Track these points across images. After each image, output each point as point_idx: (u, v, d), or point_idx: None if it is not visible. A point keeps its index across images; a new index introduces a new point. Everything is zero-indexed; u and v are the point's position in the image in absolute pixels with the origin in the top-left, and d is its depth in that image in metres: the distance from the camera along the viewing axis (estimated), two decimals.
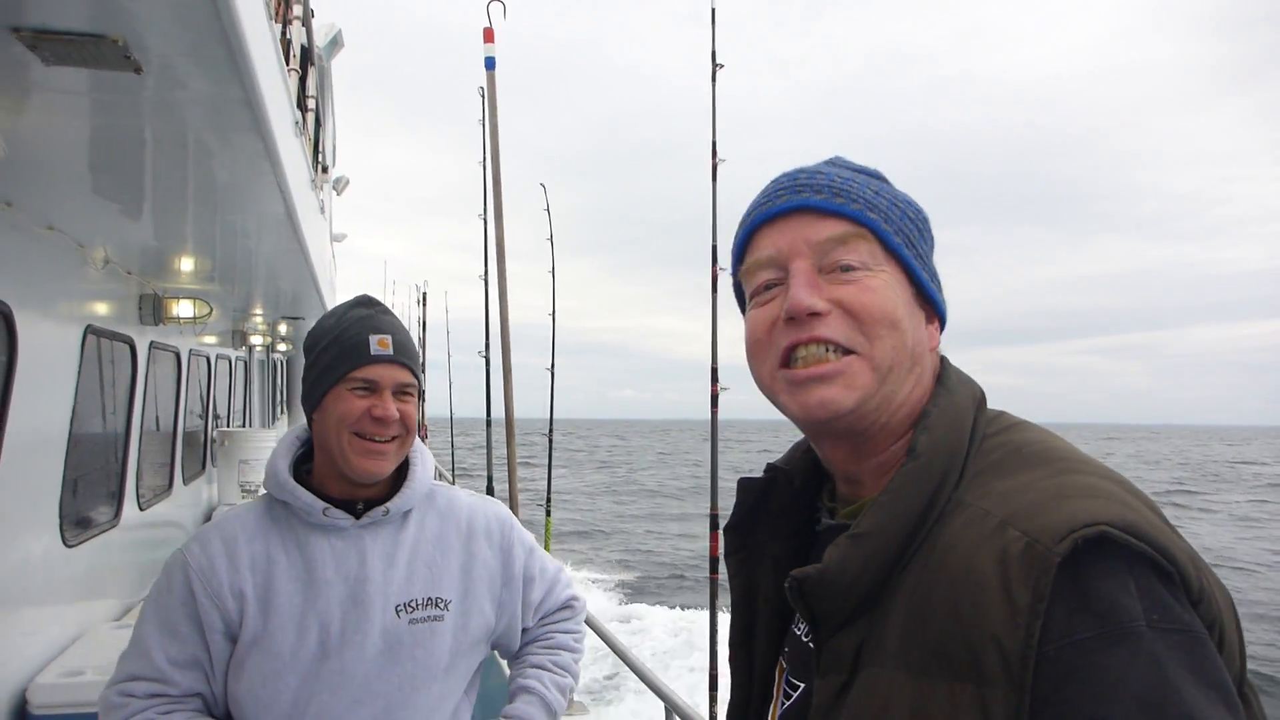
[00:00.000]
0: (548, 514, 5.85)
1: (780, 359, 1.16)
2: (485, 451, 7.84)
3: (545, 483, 5.95)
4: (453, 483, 13.05)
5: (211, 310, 6.06)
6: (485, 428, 7.77)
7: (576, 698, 5.16)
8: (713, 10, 3.99)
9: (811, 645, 1.14)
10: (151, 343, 6.00)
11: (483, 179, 7.21)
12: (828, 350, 1.12)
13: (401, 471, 2.13)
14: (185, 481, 7.55)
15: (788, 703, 1.21)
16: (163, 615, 1.98)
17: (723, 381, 3.81)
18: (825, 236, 1.14)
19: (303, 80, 6.61)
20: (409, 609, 2.03)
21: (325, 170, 8.90)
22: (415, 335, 19.90)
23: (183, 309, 5.81)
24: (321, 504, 2.02)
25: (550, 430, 5.98)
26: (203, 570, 1.97)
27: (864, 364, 1.12)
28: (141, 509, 5.88)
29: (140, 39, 1.93)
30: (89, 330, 4.61)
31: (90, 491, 4.98)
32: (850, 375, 1.12)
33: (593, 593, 20.68)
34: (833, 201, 1.15)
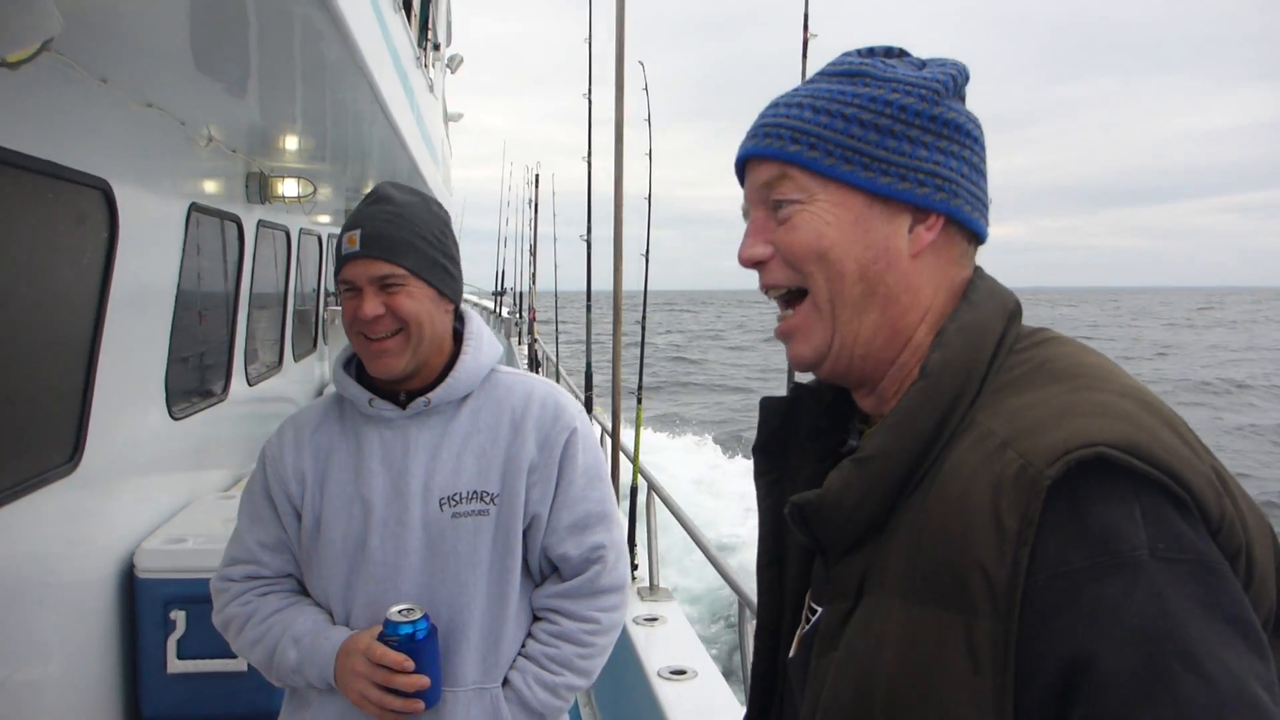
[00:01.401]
0: (639, 401, 5.80)
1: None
2: (585, 342, 7.82)
3: (638, 367, 5.88)
4: (557, 374, 13.20)
5: (315, 189, 6.09)
6: (585, 314, 7.74)
7: (662, 583, 5.20)
8: None
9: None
10: (260, 221, 6.09)
11: (588, 56, 6.99)
12: (782, 294, 1.15)
13: (455, 358, 2.09)
14: (296, 358, 7.77)
15: (807, 627, 1.19)
16: (250, 501, 2.13)
17: None
18: (761, 182, 1.14)
19: None
20: (453, 502, 2.00)
21: (436, 48, 8.81)
22: (528, 216, 20.13)
23: (288, 188, 5.85)
24: (367, 395, 2.04)
25: (644, 318, 5.87)
26: (274, 458, 2.10)
27: (812, 308, 1.12)
28: (250, 384, 6.06)
29: None
30: (193, 208, 4.67)
31: (197, 367, 5.14)
32: (804, 328, 1.13)
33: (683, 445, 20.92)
34: (761, 145, 1.14)
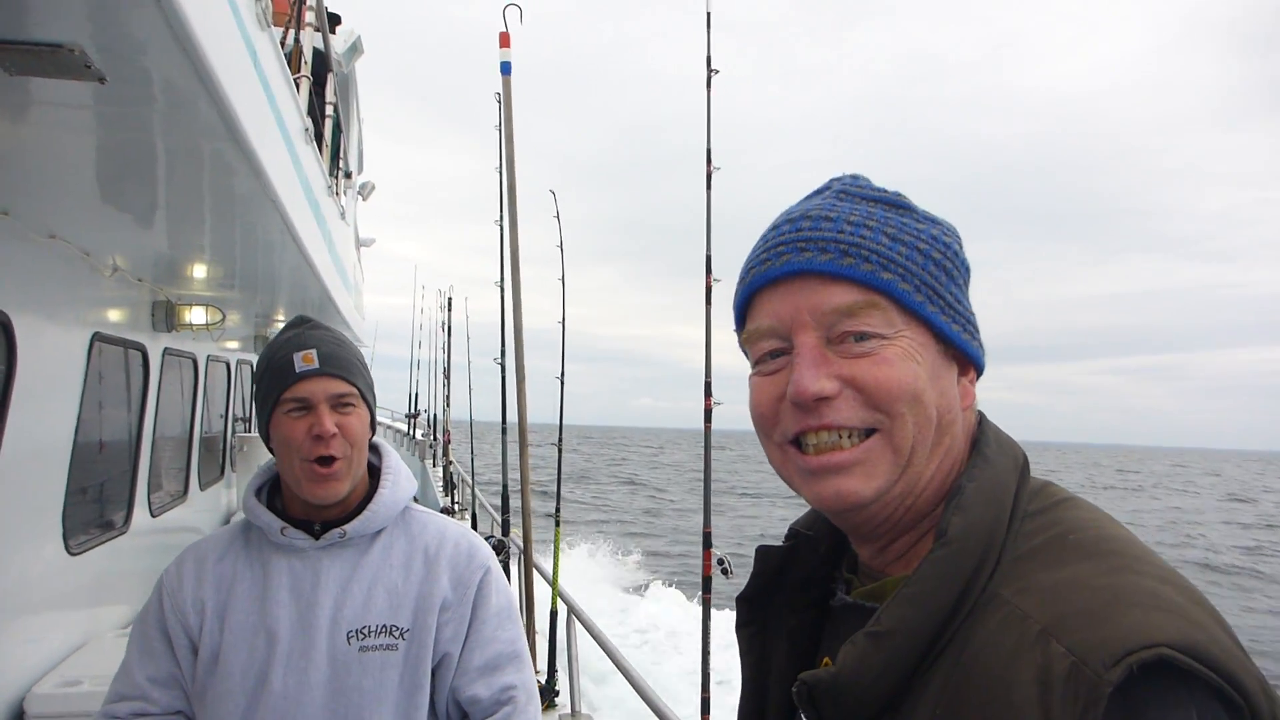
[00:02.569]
0: (556, 524, 5.78)
1: (790, 440, 1.04)
2: (501, 461, 7.79)
3: (555, 490, 5.88)
4: (472, 487, 13.06)
5: (224, 317, 6.06)
6: (501, 435, 7.73)
7: (584, 709, 5.11)
8: (708, 15, 3.90)
9: None
10: (166, 349, 6.01)
11: (499, 185, 7.16)
12: (842, 436, 1.00)
13: (371, 491, 2.09)
14: (202, 488, 7.57)
15: None
16: (143, 633, 2.04)
17: (719, 395, 3.70)
18: (832, 307, 1.00)
19: (320, 86, 6.63)
20: (361, 635, 1.96)
21: (349, 176, 8.92)
22: (441, 340, 20.14)
23: (195, 315, 5.81)
24: (279, 523, 2.01)
25: (560, 440, 5.90)
26: (172, 588, 2.03)
27: (884, 446, 0.99)
28: (154, 515, 5.88)
29: (97, 48, 1.89)
30: (96, 337, 4.61)
31: (97, 499, 4.98)
32: (870, 463, 1.00)
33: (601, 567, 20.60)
34: (840, 264, 1.00)
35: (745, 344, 1.10)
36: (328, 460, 1.96)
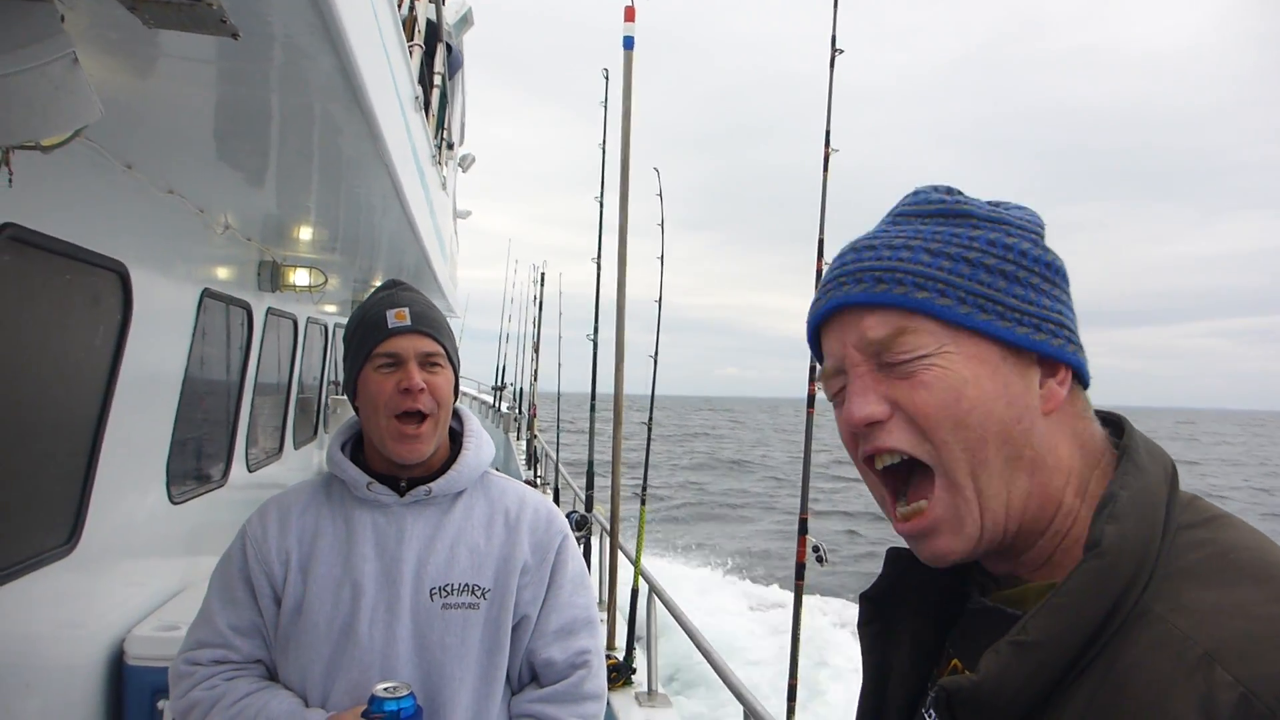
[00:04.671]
0: (642, 502, 5.76)
1: (867, 467, 1.05)
2: (588, 438, 7.82)
3: (643, 469, 5.86)
4: (556, 462, 13.15)
5: (326, 280, 6.17)
6: (590, 413, 7.75)
7: (661, 688, 5.10)
8: None
9: None
10: (269, 308, 6.15)
11: (601, 161, 7.15)
12: (901, 459, 1.00)
13: (454, 453, 2.12)
14: (296, 446, 7.75)
15: None
16: (224, 583, 2.06)
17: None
18: (870, 338, 1.01)
19: (429, 56, 6.69)
20: (444, 593, 1.98)
21: (450, 147, 9.01)
22: (531, 314, 20.24)
23: (299, 277, 5.93)
24: (365, 478, 2.03)
25: (650, 418, 5.88)
26: (256, 538, 2.05)
27: (949, 494, 0.97)
28: (250, 470, 6.04)
29: (236, 3, 1.90)
30: (205, 293, 4.73)
31: (199, 451, 5.12)
32: (949, 519, 0.98)
33: (675, 567, 20.55)
34: (873, 292, 1.01)
35: (822, 383, 1.12)
36: (415, 417, 1.99)
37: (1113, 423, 1.06)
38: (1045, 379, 1.00)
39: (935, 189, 1.08)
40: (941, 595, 1.13)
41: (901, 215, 1.08)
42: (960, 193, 1.08)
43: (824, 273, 1.11)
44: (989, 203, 1.07)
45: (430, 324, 2.04)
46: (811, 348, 1.14)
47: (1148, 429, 1.02)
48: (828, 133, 3.62)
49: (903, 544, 1.15)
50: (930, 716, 1.03)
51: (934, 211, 1.05)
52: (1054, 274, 1.03)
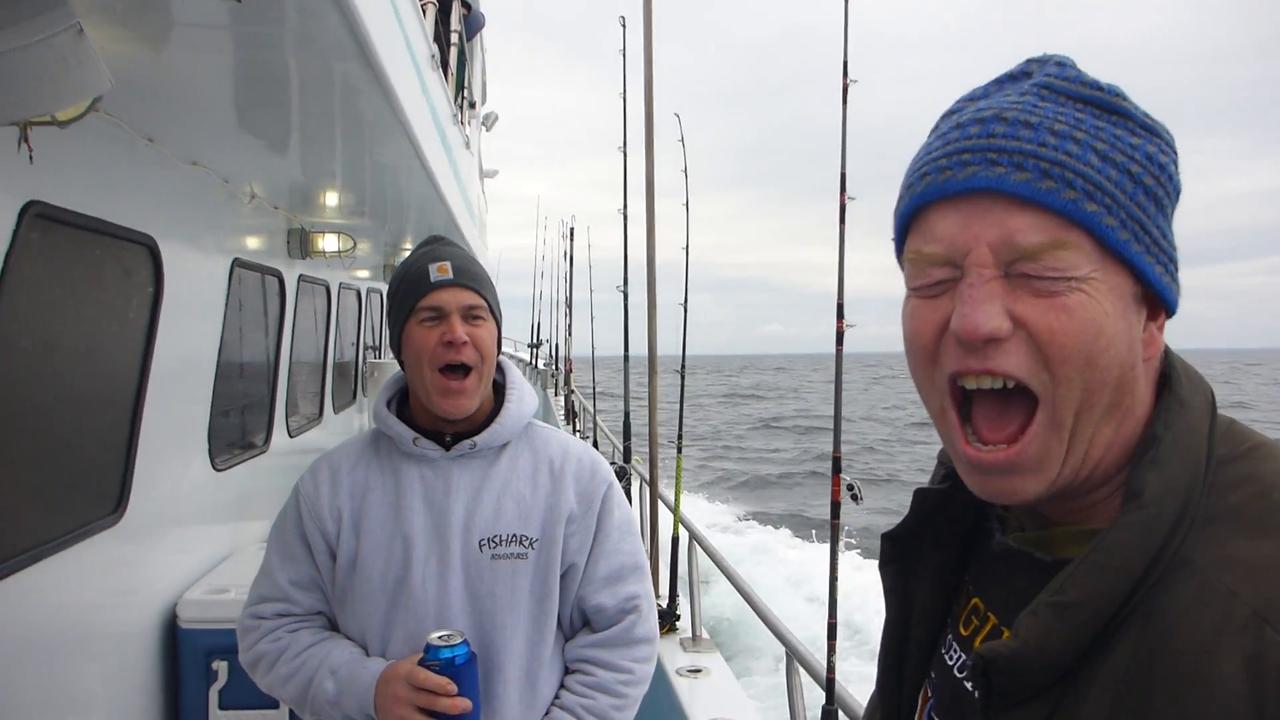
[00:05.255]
0: (679, 450, 5.78)
1: (947, 382, 0.92)
2: (623, 391, 7.84)
3: (677, 420, 5.89)
4: (594, 415, 13.23)
5: (355, 244, 6.19)
6: (623, 363, 7.77)
7: (705, 634, 5.15)
8: None
9: (973, 691, 0.93)
10: (300, 276, 6.19)
11: (622, 110, 7.09)
12: (1006, 385, 0.87)
13: (497, 406, 2.14)
14: (336, 410, 7.85)
15: None
16: (282, 539, 2.15)
17: (851, 318, 3.58)
18: (1018, 244, 0.84)
19: (445, 14, 6.65)
20: (492, 544, 2.02)
21: (472, 105, 8.98)
22: (563, 270, 20.27)
23: (328, 243, 5.97)
24: (412, 434, 2.07)
25: (683, 366, 5.88)
26: (309, 496, 2.12)
27: (1047, 429, 0.86)
28: (291, 435, 6.13)
29: None
30: (236, 263, 4.77)
31: (240, 419, 5.20)
32: (1035, 458, 0.87)
33: (714, 509, 20.60)
34: (1038, 187, 0.84)
35: (906, 263, 0.96)
36: (459, 369, 2.01)
37: None
38: (1148, 322, 0.91)
39: (1064, 66, 0.92)
40: (964, 532, 1.10)
41: (1049, 90, 0.90)
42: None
43: (944, 143, 0.92)
44: None
45: (472, 277, 2.06)
46: (904, 217, 0.96)
47: (1205, 374, 0.97)
48: (845, 63, 3.56)
49: (925, 486, 1.13)
50: (952, 657, 1.03)
51: (1091, 98, 0.89)
52: (1177, 202, 0.92)
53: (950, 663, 1.03)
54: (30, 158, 2.45)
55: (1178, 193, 0.92)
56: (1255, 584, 0.78)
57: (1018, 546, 0.97)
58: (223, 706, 3.88)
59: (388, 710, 1.91)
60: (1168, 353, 0.95)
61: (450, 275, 2.03)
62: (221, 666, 3.86)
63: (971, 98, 0.95)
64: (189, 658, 3.88)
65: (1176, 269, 0.92)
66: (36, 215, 2.72)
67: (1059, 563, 0.89)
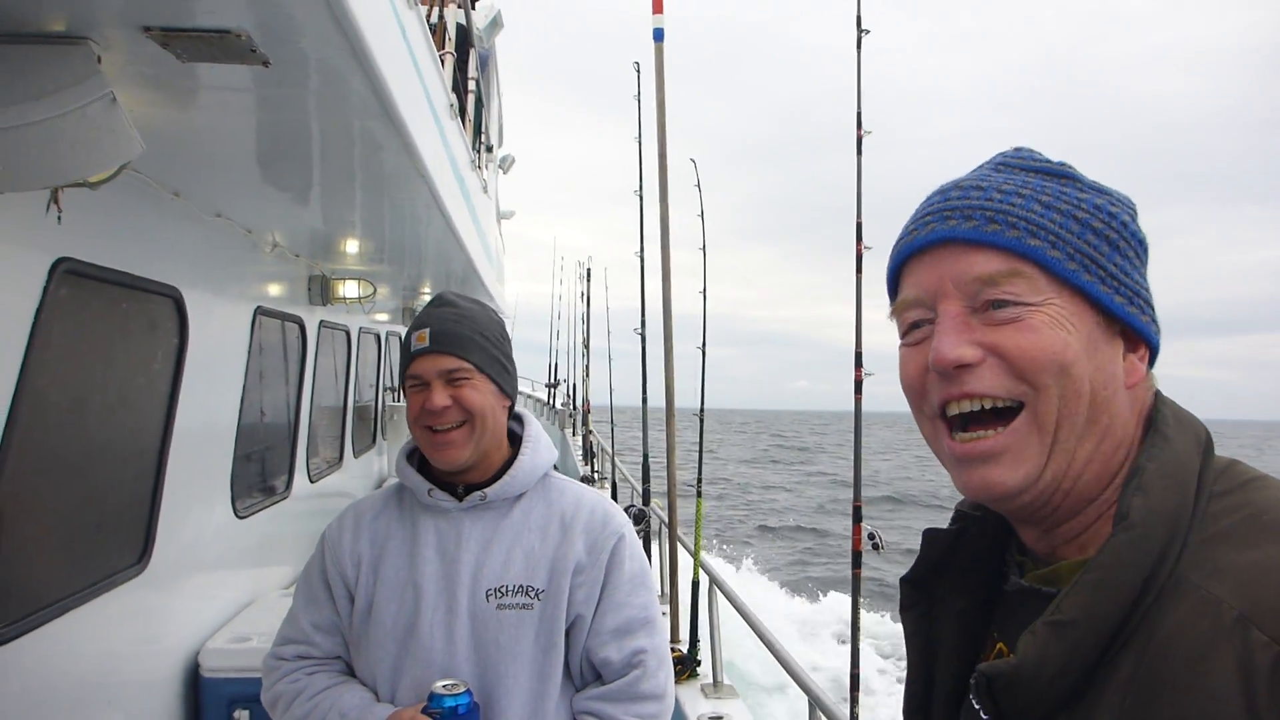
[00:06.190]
0: (698, 494, 5.78)
1: (938, 413, 1.01)
2: (641, 434, 7.85)
3: (696, 466, 5.89)
4: (612, 456, 13.22)
5: (375, 290, 6.26)
6: (641, 405, 7.78)
7: (727, 680, 5.12)
8: None
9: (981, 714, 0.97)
10: (321, 322, 6.26)
11: (638, 154, 7.17)
12: (984, 405, 0.97)
13: (514, 457, 2.18)
14: (356, 454, 7.88)
15: None
16: (307, 584, 2.21)
17: (872, 369, 3.60)
18: (974, 275, 0.97)
19: (463, 62, 6.75)
20: (499, 594, 2.05)
21: (489, 149, 9.08)
22: (580, 312, 20.34)
23: (348, 289, 6.03)
24: (427, 485, 2.12)
25: (701, 411, 5.90)
26: (333, 541, 2.19)
27: (1030, 427, 0.95)
28: (312, 481, 6.17)
29: (260, 32, 1.96)
30: (259, 311, 4.83)
31: (261, 465, 5.24)
32: (1016, 449, 0.96)
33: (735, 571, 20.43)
34: (984, 231, 0.98)
35: (894, 315, 1.08)
36: (445, 429, 2.07)
37: None
38: (1127, 353, 0.99)
39: (1024, 152, 1.07)
40: (985, 576, 1.12)
41: (1004, 165, 1.05)
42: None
43: (915, 215, 1.06)
44: None
45: (450, 341, 2.07)
46: (890, 281, 1.10)
47: (1233, 445, 1.00)
48: (859, 114, 3.61)
49: (936, 527, 1.16)
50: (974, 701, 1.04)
51: (1039, 168, 1.03)
52: (1144, 253, 1.02)
53: (977, 706, 1.02)
54: (59, 219, 2.51)
55: (1141, 244, 1.02)
56: (1241, 588, 0.82)
57: (1030, 585, 1.02)
58: None
59: None
60: (1159, 397, 1.02)
61: (427, 344, 2.06)
62: (243, 716, 3.86)
63: (943, 184, 1.09)
64: (211, 706, 3.90)
65: (1148, 307, 1.01)
66: (66, 271, 2.77)
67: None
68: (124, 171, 2.38)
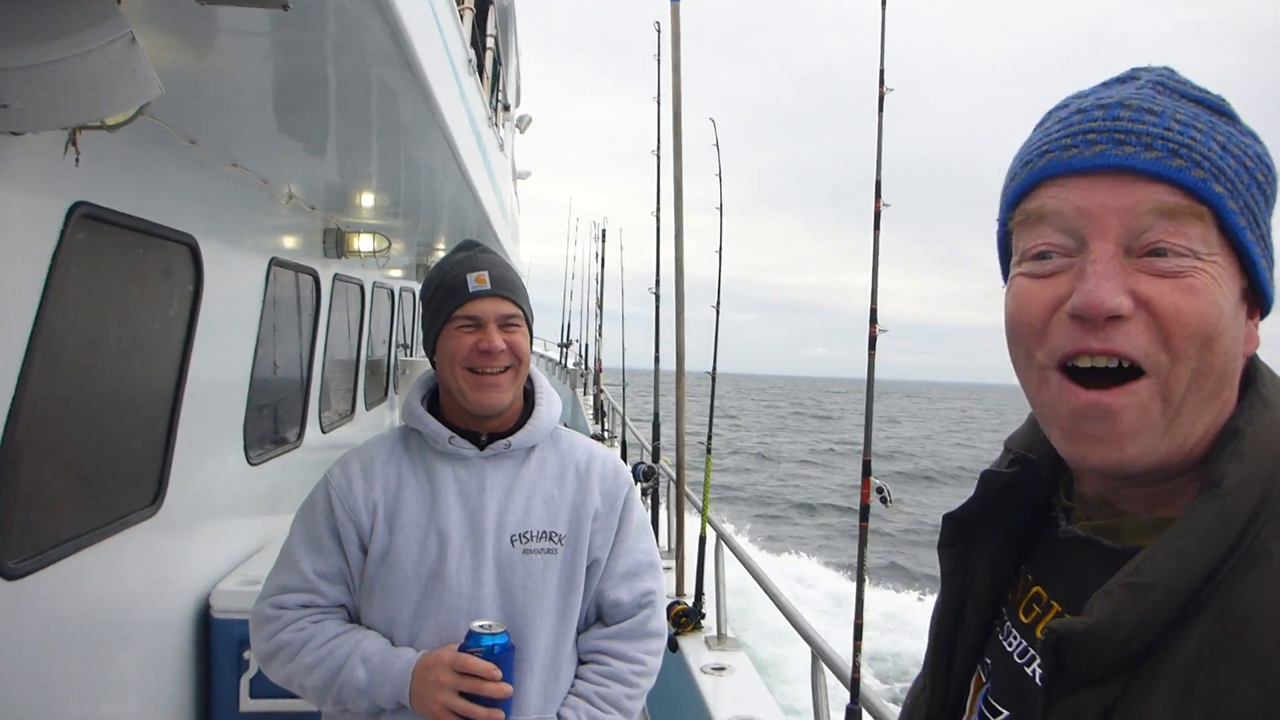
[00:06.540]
0: (708, 451, 5.81)
1: (1057, 362, 0.90)
2: (653, 393, 7.87)
3: (707, 424, 5.92)
4: (623, 415, 13.27)
5: (390, 244, 6.28)
6: (654, 363, 7.80)
7: (731, 633, 5.18)
8: None
9: (1035, 679, 0.95)
10: (335, 275, 6.29)
11: (656, 114, 7.14)
12: (1121, 364, 0.86)
13: (528, 409, 2.23)
14: (368, 407, 7.95)
15: None
16: (309, 531, 2.18)
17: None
18: (1149, 207, 0.85)
19: (482, 18, 6.72)
20: (524, 539, 2.11)
21: (506, 108, 9.05)
22: (594, 272, 20.32)
23: (363, 243, 6.06)
24: (448, 432, 2.15)
25: (714, 369, 5.91)
26: (341, 489, 2.16)
27: (1154, 395, 0.86)
28: (324, 431, 6.23)
29: None
30: (274, 262, 4.86)
31: (274, 414, 5.30)
32: (1136, 423, 0.87)
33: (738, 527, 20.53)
34: (1166, 164, 0.85)
35: (1018, 226, 0.95)
36: (495, 371, 2.10)
37: None
38: (1247, 319, 0.92)
39: (1172, 72, 0.95)
40: (1026, 515, 1.09)
41: (1163, 87, 0.92)
42: None
43: (1065, 126, 0.93)
44: None
45: (508, 286, 2.14)
46: (1012, 196, 0.97)
47: None
48: (881, 70, 3.58)
49: (993, 468, 1.12)
50: (1011, 643, 1.03)
51: (1202, 99, 0.91)
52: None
53: (1010, 649, 1.03)
54: (77, 161, 2.53)
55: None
56: None
57: (1086, 535, 0.98)
58: (253, 695, 3.97)
59: (429, 696, 1.96)
60: (1254, 358, 0.96)
61: (488, 286, 2.10)
62: (253, 656, 3.94)
63: (1080, 95, 0.97)
64: (221, 647, 3.97)
65: (1272, 265, 0.93)
66: (83, 215, 2.80)
67: (1129, 550, 0.90)
68: (141, 116, 2.39)
